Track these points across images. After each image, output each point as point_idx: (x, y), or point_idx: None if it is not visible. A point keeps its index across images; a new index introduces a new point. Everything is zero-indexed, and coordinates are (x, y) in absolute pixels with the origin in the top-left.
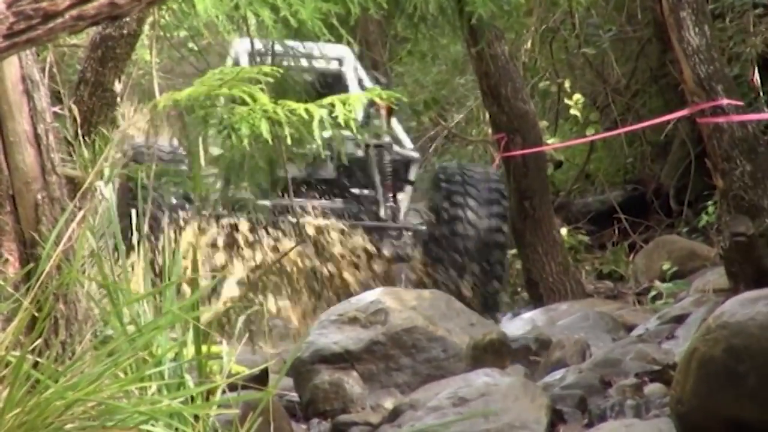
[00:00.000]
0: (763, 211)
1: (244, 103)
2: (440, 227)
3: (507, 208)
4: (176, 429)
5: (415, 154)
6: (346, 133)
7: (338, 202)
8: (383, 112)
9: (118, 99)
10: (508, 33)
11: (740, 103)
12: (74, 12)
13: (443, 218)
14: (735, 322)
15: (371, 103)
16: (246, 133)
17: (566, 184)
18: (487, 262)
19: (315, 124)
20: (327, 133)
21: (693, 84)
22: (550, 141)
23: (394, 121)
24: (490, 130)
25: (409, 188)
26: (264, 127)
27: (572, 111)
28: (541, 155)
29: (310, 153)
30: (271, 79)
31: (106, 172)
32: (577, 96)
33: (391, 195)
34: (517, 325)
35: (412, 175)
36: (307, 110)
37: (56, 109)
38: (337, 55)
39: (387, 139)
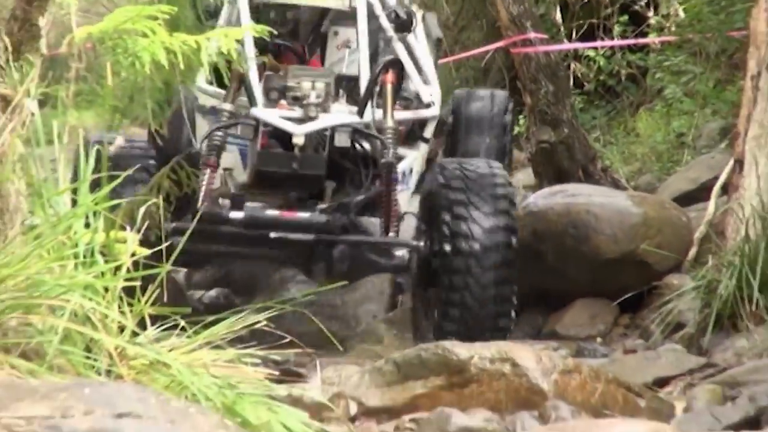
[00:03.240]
0: (562, 123)
1: (145, 35)
2: (441, 242)
3: (515, 219)
4: (89, 298)
5: (432, 112)
6: (347, 119)
7: (320, 216)
8: (389, 85)
9: (42, 32)
10: None
11: (545, 36)
12: None
13: (444, 233)
14: (538, 210)
15: (375, 78)
16: (147, 60)
17: None
18: (495, 283)
19: (203, 53)
20: (329, 121)
21: (507, 21)
22: None
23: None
24: None
25: (423, 146)
26: (162, 56)
27: None
28: None
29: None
30: (167, 16)
31: (32, 90)
32: None
33: (388, 201)
34: None
35: (428, 132)
36: (196, 41)
37: None
38: None
39: (390, 123)
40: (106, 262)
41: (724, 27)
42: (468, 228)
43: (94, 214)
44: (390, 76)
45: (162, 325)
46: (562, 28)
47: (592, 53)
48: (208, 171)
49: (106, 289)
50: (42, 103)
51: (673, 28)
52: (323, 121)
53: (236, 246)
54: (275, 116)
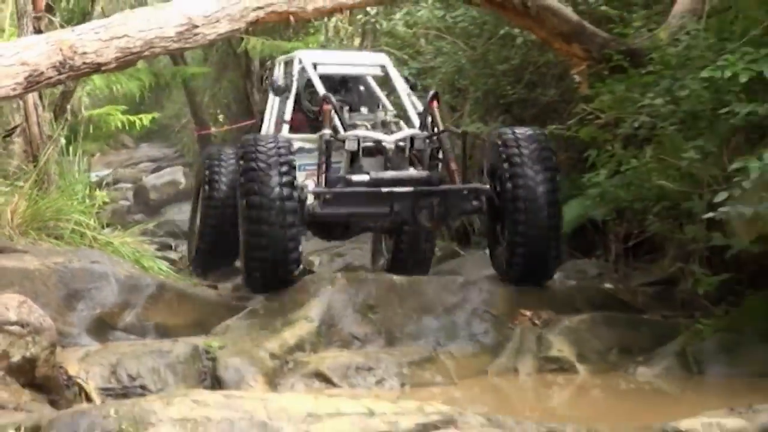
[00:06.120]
0: None
1: (113, 115)
2: (502, 186)
3: (557, 165)
4: (82, 216)
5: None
6: (416, 131)
7: (423, 172)
8: (435, 107)
9: (68, 110)
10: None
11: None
12: (52, 80)
13: (504, 177)
14: None
15: (429, 103)
16: (113, 124)
17: None
18: (547, 217)
19: (137, 122)
20: (407, 132)
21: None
22: None
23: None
24: None
25: None
26: (119, 123)
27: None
28: None
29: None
30: (125, 107)
31: (62, 133)
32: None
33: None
34: None
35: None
36: (132, 119)
37: (47, 114)
38: (381, 62)
39: (442, 126)
40: (90, 201)
41: None
42: (523, 173)
43: (86, 181)
44: (434, 103)
45: (114, 228)
46: None
47: None
48: (323, 167)
49: (90, 213)
50: (67, 139)
51: None
52: (403, 133)
53: (359, 206)
54: (369, 133)
